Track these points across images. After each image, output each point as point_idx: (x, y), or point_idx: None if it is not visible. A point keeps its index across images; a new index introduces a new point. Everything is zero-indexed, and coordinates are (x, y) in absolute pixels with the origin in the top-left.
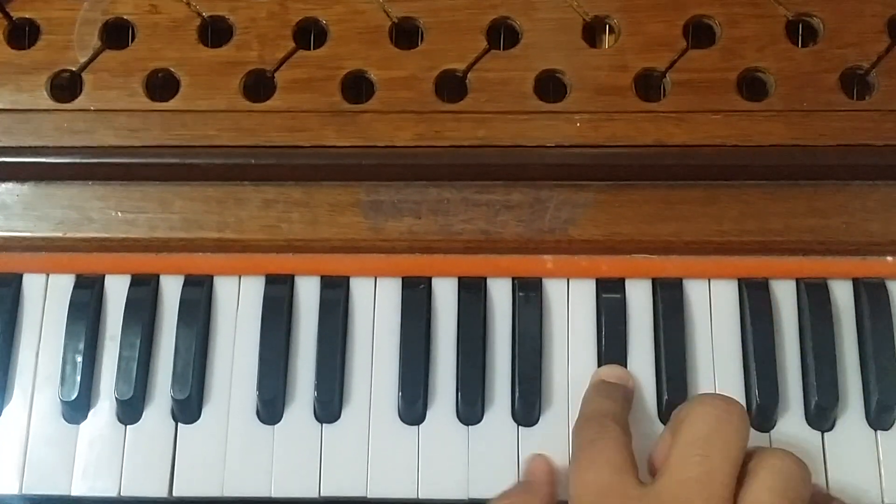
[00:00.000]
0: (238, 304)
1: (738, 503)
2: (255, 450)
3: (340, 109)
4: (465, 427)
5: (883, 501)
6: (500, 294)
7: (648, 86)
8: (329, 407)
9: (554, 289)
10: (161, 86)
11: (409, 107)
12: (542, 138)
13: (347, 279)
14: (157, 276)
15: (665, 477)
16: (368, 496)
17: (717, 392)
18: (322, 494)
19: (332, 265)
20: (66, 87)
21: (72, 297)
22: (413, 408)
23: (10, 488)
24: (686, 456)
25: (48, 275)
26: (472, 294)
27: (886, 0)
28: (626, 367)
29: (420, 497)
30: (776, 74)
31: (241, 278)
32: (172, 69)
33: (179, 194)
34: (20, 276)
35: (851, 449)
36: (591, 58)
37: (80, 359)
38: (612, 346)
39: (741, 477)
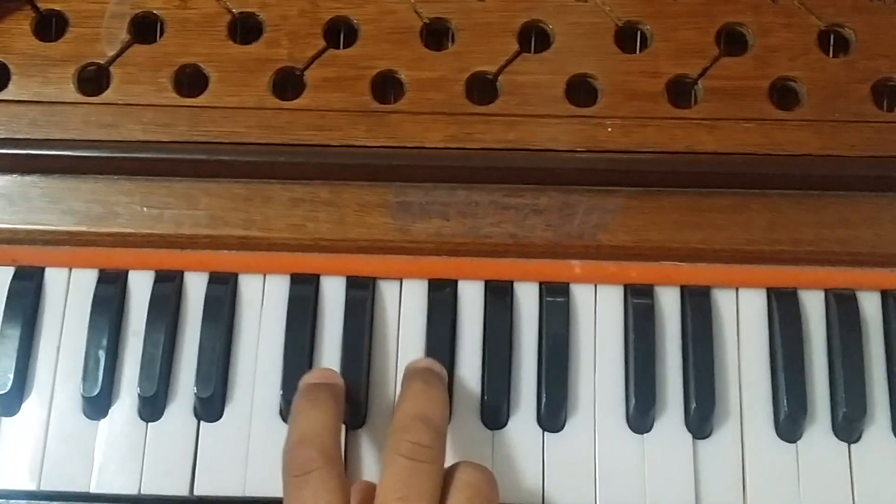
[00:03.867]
0: (263, 302)
1: None
2: (278, 449)
3: (370, 109)
4: (490, 431)
5: None
6: (527, 298)
7: (680, 92)
8: (353, 408)
9: (581, 294)
10: (189, 81)
11: (439, 108)
12: (573, 143)
13: (373, 280)
14: (182, 273)
15: None
16: None
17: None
18: None
19: (358, 265)
20: (93, 80)
21: (95, 291)
22: None
23: (29, 484)
24: (386, 501)
25: (71, 269)
26: (499, 298)
27: None
28: (654, 374)
29: None
30: (808, 84)
31: (266, 277)
32: (201, 65)
33: (206, 191)
34: (42, 270)
35: (878, 460)
36: (623, 63)
37: (102, 354)
38: (639, 352)
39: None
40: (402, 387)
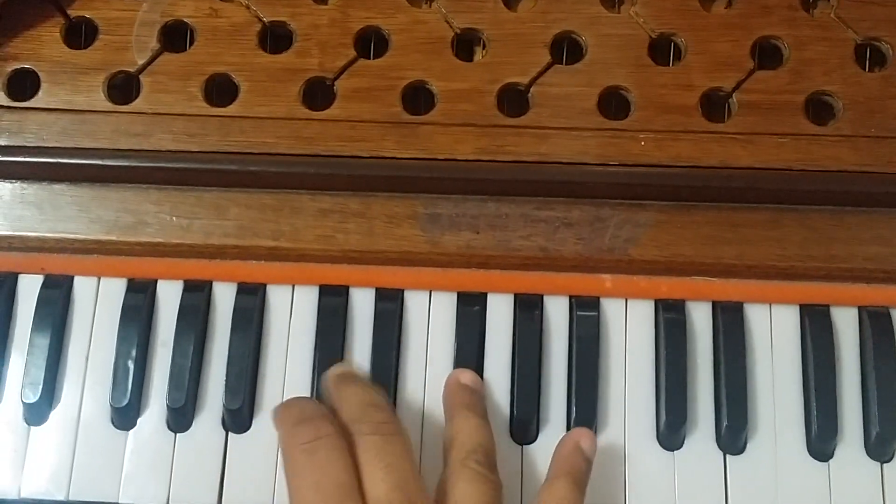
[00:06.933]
0: (291, 313)
1: None
2: None
3: (401, 120)
4: (520, 446)
5: None
6: (557, 312)
7: (714, 106)
8: None
9: (612, 308)
10: (219, 91)
11: (470, 120)
12: (605, 156)
13: (402, 292)
14: (211, 283)
15: None
16: None
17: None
18: None
19: (387, 277)
20: (123, 88)
21: (125, 300)
22: None
23: (57, 494)
24: None
25: (100, 278)
26: (529, 311)
27: None
28: (685, 391)
29: None
30: (844, 98)
31: (295, 288)
32: (231, 74)
33: (235, 201)
34: (71, 279)
35: None
36: (656, 75)
37: (131, 364)
38: (670, 368)
39: None
40: (450, 410)
